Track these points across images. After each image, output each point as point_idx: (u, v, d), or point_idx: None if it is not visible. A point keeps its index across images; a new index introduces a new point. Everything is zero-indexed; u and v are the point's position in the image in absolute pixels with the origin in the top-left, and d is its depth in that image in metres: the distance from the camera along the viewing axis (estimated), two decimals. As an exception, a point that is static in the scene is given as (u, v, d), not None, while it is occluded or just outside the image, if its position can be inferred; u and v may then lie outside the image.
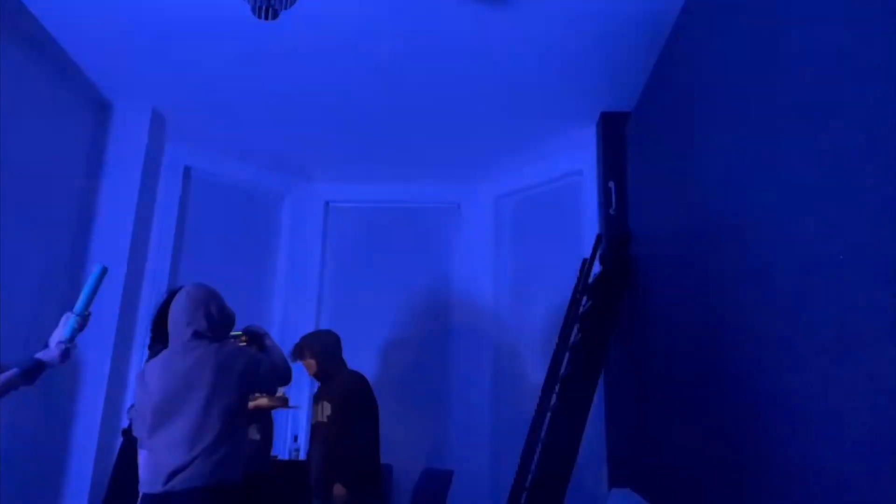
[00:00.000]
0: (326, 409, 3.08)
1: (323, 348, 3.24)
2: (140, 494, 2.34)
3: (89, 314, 2.21)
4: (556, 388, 3.39)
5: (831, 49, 1.49)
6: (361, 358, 4.67)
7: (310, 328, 4.79)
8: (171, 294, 2.58)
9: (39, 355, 2.07)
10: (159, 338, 2.61)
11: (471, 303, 4.71)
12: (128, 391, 3.79)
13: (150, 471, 2.32)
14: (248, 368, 2.41)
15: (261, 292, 4.74)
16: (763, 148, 1.86)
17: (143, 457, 2.46)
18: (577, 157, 4.16)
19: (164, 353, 2.47)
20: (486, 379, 4.53)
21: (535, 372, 3.97)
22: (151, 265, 4.03)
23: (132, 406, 3.06)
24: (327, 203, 5.08)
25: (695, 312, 2.48)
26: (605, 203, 3.81)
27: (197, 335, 2.41)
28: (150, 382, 2.41)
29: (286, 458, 4.28)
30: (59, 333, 2.13)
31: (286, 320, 4.69)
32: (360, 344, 4.73)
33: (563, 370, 3.43)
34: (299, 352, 3.25)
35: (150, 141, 3.98)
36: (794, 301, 1.62)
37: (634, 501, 2.68)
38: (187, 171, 4.39)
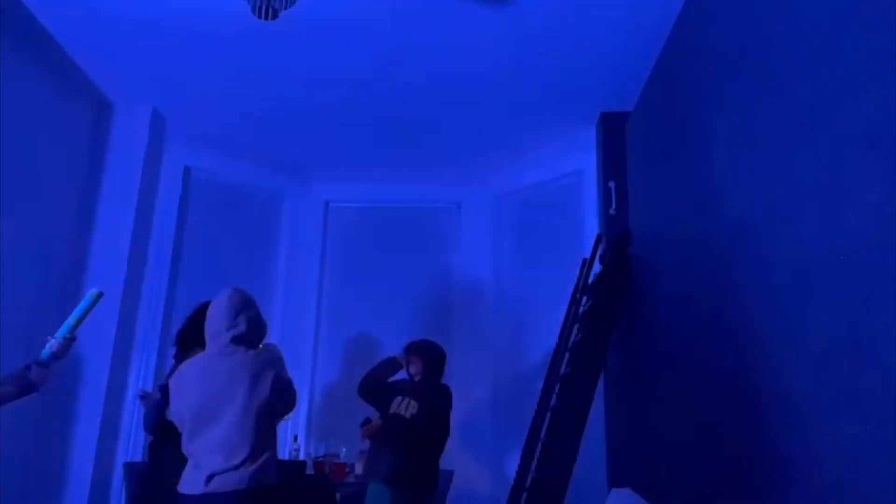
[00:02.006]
0: (413, 406, 3.26)
1: (433, 356, 3.48)
2: (179, 494, 2.39)
3: (74, 337, 2.23)
4: (556, 388, 3.39)
5: (831, 49, 1.48)
6: (360, 358, 4.68)
7: (310, 328, 4.80)
8: (201, 306, 2.66)
9: (31, 375, 2.11)
10: (187, 348, 2.68)
11: (471, 303, 4.71)
12: (128, 391, 3.80)
13: (190, 472, 2.38)
14: (278, 379, 2.47)
15: (261, 292, 4.70)
16: (763, 147, 1.86)
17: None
18: (577, 157, 4.16)
19: (201, 355, 2.53)
20: (487, 379, 4.53)
21: (535, 372, 3.97)
22: (151, 265, 4.03)
23: (144, 393, 3.08)
24: (327, 203, 5.08)
25: (695, 312, 2.48)
26: (605, 203, 3.81)
27: (235, 340, 2.47)
28: (187, 385, 2.47)
29: (286, 457, 4.27)
30: (41, 355, 2.17)
31: (286, 320, 4.68)
32: (360, 343, 4.74)
33: (563, 370, 3.43)
34: (414, 348, 3.49)
35: (150, 141, 3.98)
36: (794, 300, 1.62)
37: (634, 501, 2.68)
38: (187, 171, 4.39)
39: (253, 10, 2.39)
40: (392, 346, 4.70)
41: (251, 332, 2.52)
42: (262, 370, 2.45)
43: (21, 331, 3.23)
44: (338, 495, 3.57)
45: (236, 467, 2.34)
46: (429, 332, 4.72)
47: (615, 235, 3.68)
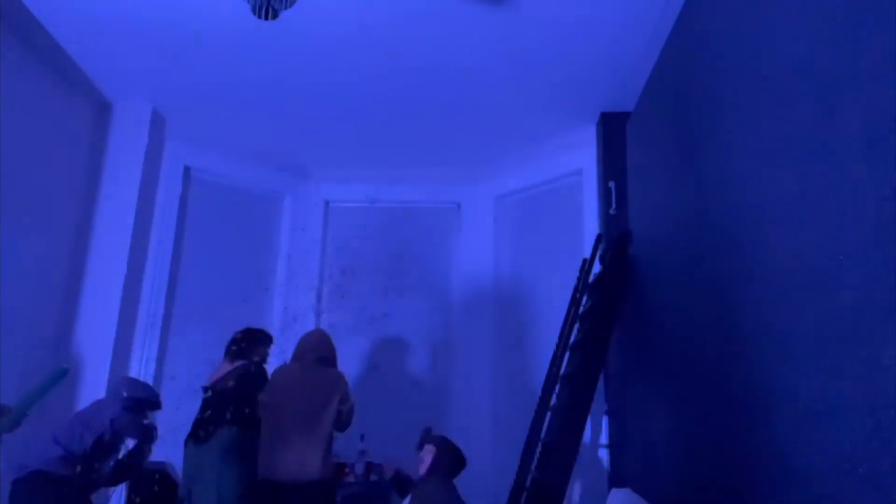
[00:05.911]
0: None
1: (441, 454, 3.10)
2: (260, 478, 2.95)
3: (25, 415, 2.23)
4: (556, 387, 3.39)
5: (831, 48, 1.49)
6: (361, 358, 4.69)
7: (310, 328, 4.79)
8: (247, 330, 3.56)
9: None
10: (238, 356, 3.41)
11: (471, 302, 4.71)
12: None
13: (267, 460, 2.94)
14: (342, 395, 3.14)
15: (261, 292, 4.73)
16: (763, 147, 1.86)
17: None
18: (577, 157, 4.16)
19: (291, 366, 3.27)
20: (487, 378, 4.53)
21: (535, 371, 3.97)
22: (151, 265, 4.03)
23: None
24: (327, 203, 5.08)
25: (695, 312, 2.48)
26: (605, 203, 3.81)
27: (320, 359, 3.23)
28: (277, 386, 3.12)
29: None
30: None
31: (286, 320, 4.69)
32: (361, 344, 4.74)
33: (563, 369, 3.43)
34: (429, 438, 3.17)
35: (150, 141, 3.99)
36: (794, 300, 1.62)
37: (634, 501, 2.68)
38: (187, 171, 4.39)
39: (253, 10, 2.39)
40: (392, 346, 4.72)
41: (329, 355, 3.30)
42: (333, 386, 3.13)
43: (21, 330, 3.23)
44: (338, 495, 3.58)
45: (308, 455, 2.90)
46: (429, 332, 4.77)
47: (615, 235, 3.68)
